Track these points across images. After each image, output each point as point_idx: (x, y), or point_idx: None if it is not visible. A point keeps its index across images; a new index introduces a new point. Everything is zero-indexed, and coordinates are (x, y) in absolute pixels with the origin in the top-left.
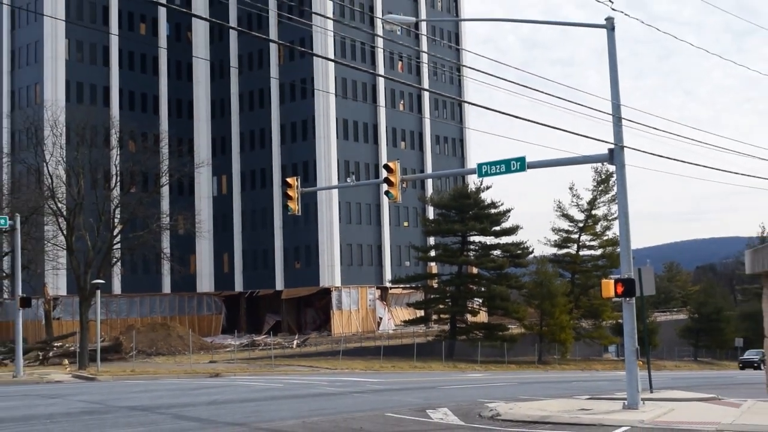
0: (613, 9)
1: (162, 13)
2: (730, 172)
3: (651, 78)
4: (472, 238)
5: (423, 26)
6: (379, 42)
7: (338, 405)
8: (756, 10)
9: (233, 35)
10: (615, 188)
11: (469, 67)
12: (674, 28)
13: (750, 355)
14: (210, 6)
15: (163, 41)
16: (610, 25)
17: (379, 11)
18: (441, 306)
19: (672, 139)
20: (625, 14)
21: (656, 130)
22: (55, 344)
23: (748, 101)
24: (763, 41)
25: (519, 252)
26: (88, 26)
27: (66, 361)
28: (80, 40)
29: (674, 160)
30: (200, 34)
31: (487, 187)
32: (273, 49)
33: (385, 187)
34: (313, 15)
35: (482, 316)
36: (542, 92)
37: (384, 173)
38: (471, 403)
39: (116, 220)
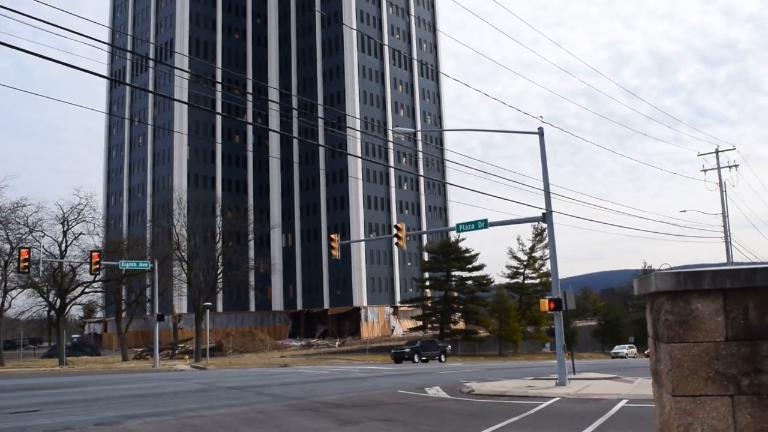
0: (542, 122)
1: (249, 128)
2: (620, 225)
3: (566, 166)
4: (453, 273)
5: (419, 134)
6: (390, 145)
7: (365, 385)
8: (634, 121)
9: (296, 142)
10: (547, 238)
11: (449, 161)
12: (580, 133)
13: (617, 349)
14: (280, 122)
15: (250, 146)
16: (540, 132)
17: (390, 124)
18: (433, 318)
19: (582, 205)
20: (550, 124)
21: (572, 200)
22: (179, 345)
23: (629, 181)
24: (638, 142)
25: (484, 282)
26: (202, 137)
27: (186, 357)
28: (197, 146)
29: (584, 219)
30: (274, 141)
31: (463, 239)
32: (321, 150)
33: (395, 239)
34: (347, 128)
35: (461, 325)
36: (497, 176)
37: (394, 231)
38: (454, 383)
39: (219, 264)
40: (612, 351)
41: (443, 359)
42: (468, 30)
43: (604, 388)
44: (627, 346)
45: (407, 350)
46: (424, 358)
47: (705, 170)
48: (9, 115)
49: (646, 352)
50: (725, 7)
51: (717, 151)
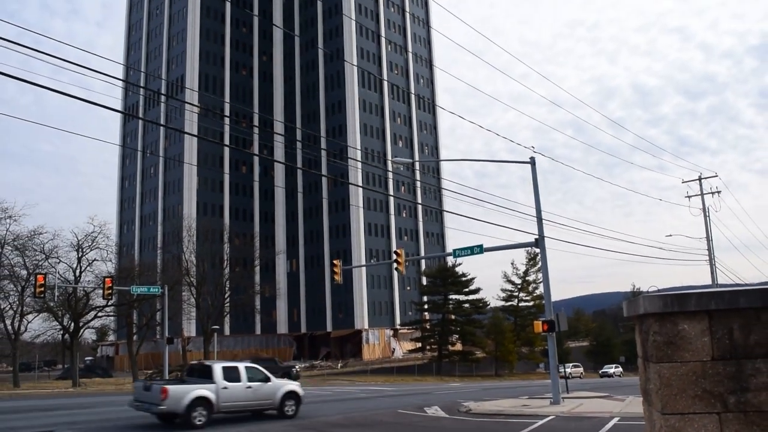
0: (534, 152)
1: (255, 159)
2: (610, 250)
3: (556, 194)
4: (450, 297)
5: (417, 164)
6: (390, 174)
7: (366, 405)
8: (620, 151)
9: (300, 172)
10: (540, 263)
11: (446, 189)
12: (569, 162)
13: (606, 368)
14: (285, 153)
15: (256, 176)
16: (532, 162)
17: (389, 155)
18: (432, 340)
19: (573, 231)
20: (541, 154)
21: (563, 226)
22: None
23: (617, 207)
24: (624, 170)
25: (480, 305)
26: (210, 168)
27: None
28: (206, 176)
29: (575, 243)
30: (279, 171)
31: (459, 264)
32: (324, 180)
33: (395, 265)
34: (349, 159)
35: (458, 346)
36: (491, 204)
37: (394, 256)
38: (453, 403)
39: (226, 289)
40: (601, 370)
41: None
42: (462, 65)
43: (597, 407)
44: (614, 366)
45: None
46: None
47: (689, 196)
48: (30, 148)
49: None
50: (703, 44)
51: (700, 178)
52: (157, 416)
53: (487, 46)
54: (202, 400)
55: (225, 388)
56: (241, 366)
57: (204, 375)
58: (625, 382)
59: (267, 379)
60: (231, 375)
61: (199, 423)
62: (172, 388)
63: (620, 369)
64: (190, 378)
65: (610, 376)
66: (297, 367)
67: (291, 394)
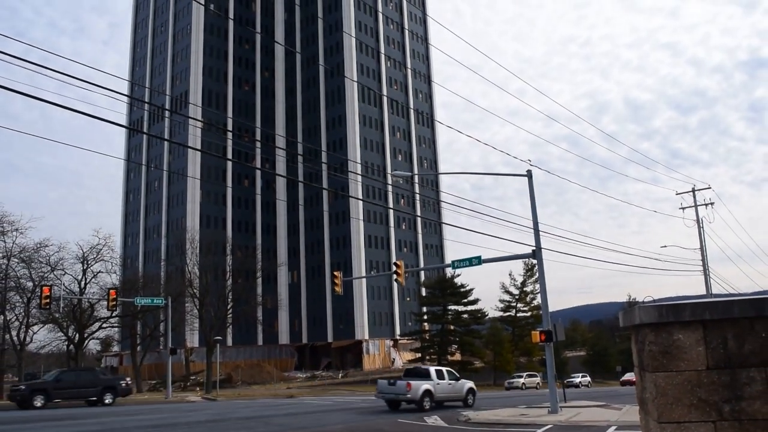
0: (530, 165)
1: (258, 173)
2: (605, 261)
3: (551, 206)
4: (449, 307)
5: (416, 178)
6: (389, 187)
7: (368, 415)
8: (614, 164)
9: (301, 185)
10: (537, 274)
11: (444, 202)
12: (564, 175)
13: (572, 377)
14: (287, 167)
15: (258, 189)
16: (529, 175)
17: (389, 169)
18: (431, 350)
19: (569, 242)
20: (537, 167)
21: (559, 237)
22: (191, 377)
23: (612, 219)
24: (618, 183)
25: (479, 315)
26: (213, 182)
27: (198, 389)
28: (209, 190)
29: (571, 255)
30: (281, 185)
31: (458, 275)
32: (325, 193)
33: (394, 276)
34: (349, 172)
35: (457, 356)
36: (489, 216)
37: (394, 268)
38: (452, 412)
39: (229, 300)
40: (569, 380)
41: (110, 400)
42: (459, 81)
43: (594, 416)
44: (581, 375)
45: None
46: (57, 400)
47: (683, 208)
48: (36, 162)
49: (626, 379)
50: (693, 59)
51: (694, 190)
52: (387, 402)
53: (484, 62)
54: (428, 392)
55: (438, 384)
56: (444, 369)
57: (421, 375)
58: (621, 391)
59: (458, 379)
60: (440, 375)
61: (427, 407)
62: (413, 383)
63: (588, 378)
64: (408, 378)
65: (576, 386)
66: (128, 379)
67: (471, 390)
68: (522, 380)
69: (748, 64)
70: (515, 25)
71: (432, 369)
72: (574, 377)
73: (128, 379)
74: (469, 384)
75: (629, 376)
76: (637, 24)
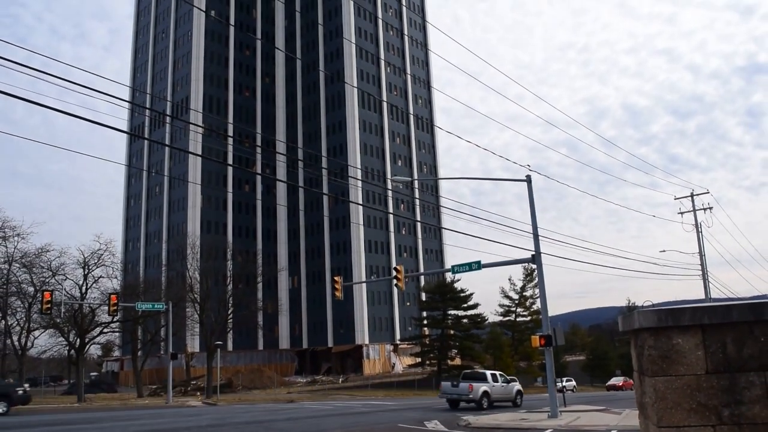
0: (530, 170)
1: (258, 178)
2: (604, 265)
3: (551, 211)
4: (449, 312)
5: (416, 183)
6: (389, 192)
7: (367, 419)
8: (612, 169)
9: (301, 191)
10: (537, 278)
11: (444, 207)
12: (563, 180)
13: (561, 382)
14: (287, 172)
15: (258, 195)
16: (528, 180)
17: (389, 174)
18: (431, 355)
19: (568, 247)
20: (537, 172)
21: (559, 242)
22: (192, 382)
23: (611, 224)
24: (617, 188)
25: (479, 320)
26: (214, 187)
27: (198, 393)
28: (209, 195)
29: (571, 259)
30: (281, 190)
31: (458, 280)
32: (325, 198)
33: (394, 281)
34: (349, 177)
35: (457, 361)
36: (489, 221)
37: (394, 272)
38: (452, 417)
39: (230, 305)
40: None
41: (2, 410)
42: (458, 86)
43: (594, 420)
44: (565, 379)
45: None
46: None
47: (682, 212)
48: (38, 168)
49: (616, 383)
50: (691, 65)
51: (692, 195)
52: (449, 402)
53: (483, 68)
54: (486, 393)
55: (493, 386)
56: (497, 373)
57: (478, 378)
58: (621, 395)
59: (509, 381)
60: (494, 378)
61: (485, 406)
62: (474, 385)
63: (573, 383)
64: (467, 380)
65: (560, 390)
66: (25, 386)
67: (519, 392)
68: (564, 384)
69: (745, 69)
70: (514, 32)
71: (488, 372)
72: (558, 381)
73: (26, 385)
74: (518, 386)
75: (615, 380)
76: (635, 30)
